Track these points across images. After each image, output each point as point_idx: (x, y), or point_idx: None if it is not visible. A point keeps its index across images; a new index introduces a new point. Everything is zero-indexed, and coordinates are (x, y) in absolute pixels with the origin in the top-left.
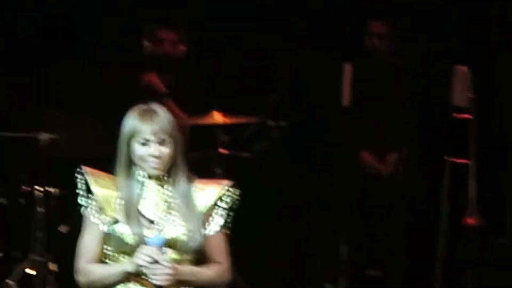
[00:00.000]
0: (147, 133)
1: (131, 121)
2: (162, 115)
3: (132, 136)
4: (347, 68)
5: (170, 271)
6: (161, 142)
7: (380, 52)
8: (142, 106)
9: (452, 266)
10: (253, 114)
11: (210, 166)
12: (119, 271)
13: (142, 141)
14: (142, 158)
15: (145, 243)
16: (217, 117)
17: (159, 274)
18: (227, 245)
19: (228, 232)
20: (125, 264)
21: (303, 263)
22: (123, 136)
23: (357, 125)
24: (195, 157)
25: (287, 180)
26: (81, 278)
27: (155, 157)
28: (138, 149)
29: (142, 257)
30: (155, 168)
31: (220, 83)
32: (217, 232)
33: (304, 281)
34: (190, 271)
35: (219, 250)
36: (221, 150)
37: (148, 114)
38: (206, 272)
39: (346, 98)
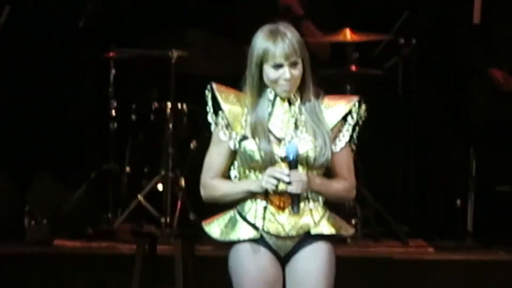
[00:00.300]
0: (279, 57)
1: (262, 43)
2: (292, 36)
3: (263, 58)
4: None
5: (305, 179)
6: (292, 65)
7: None
8: (270, 27)
9: None
10: (384, 31)
11: (340, 83)
12: (243, 189)
13: (274, 65)
14: (274, 81)
15: (275, 160)
16: (348, 35)
17: (296, 181)
18: (353, 161)
19: (354, 148)
20: (250, 183)
21: (433, 180)
22: (254, 58)
23: (487, 43)
24: (325, 74)
25: (416, 97)
26: (204, 192)
27: (287, 80)
28: (270, 73)
29: (269, 180)
30: (286, 91)
31: (352, 1)
32: (344, 148)
33: (435, 198)
34: (322, 182)
35: (346, 166)
36: (352, 67)
37: (278, 36)
38: (336, 185)
39: (476, 16)
